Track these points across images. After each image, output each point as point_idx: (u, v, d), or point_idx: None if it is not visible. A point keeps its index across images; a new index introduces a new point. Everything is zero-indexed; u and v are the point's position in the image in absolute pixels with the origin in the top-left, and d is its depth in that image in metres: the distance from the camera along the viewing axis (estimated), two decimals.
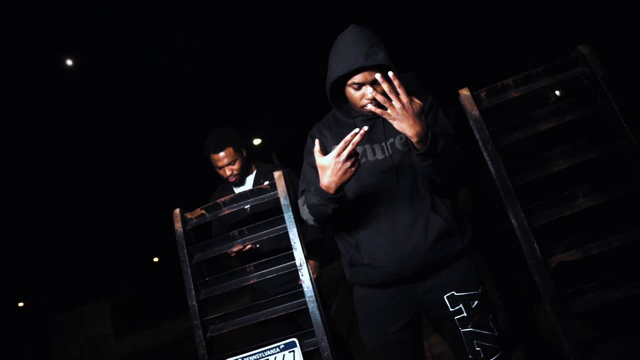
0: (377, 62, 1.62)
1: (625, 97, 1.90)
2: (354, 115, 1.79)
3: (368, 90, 1.66)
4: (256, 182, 2.86)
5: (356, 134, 1.51)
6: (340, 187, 1.58)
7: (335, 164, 1.52)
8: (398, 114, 1.51)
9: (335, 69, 1.66)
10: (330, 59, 1.71)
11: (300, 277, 2.01)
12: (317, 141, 1.60)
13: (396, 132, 1.75)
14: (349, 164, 1.53)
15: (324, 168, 1.55)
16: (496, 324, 1.74)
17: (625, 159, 1.89)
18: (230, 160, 2.78)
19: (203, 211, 2.23)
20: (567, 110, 1.94)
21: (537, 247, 1.77)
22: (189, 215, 2.25)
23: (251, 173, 2.92)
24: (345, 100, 1.77)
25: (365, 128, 1.51)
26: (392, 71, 1.57)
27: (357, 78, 1.65)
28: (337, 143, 1.71)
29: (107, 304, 15.27)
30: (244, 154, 2.87)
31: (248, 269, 2.10)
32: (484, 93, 1.99)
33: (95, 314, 14.46)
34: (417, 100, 1.55)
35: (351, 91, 1.69)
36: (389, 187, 1.69)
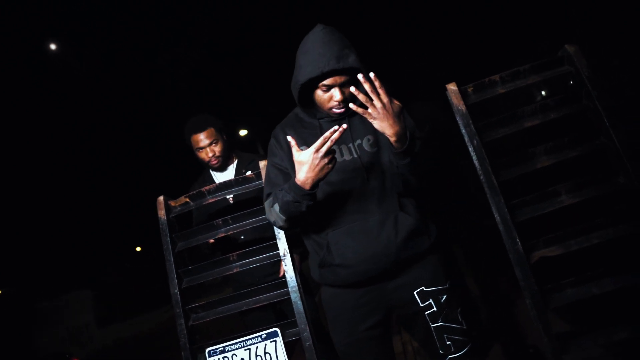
0: (349, 65, 1.61)
1: (608, 97, 1.92)
2: (319, 116, 1.78)
3: (336, 93, 1.66)
4: (238, 171, 2.82)
5: (335, 130, 1.52)
6: (316, 184, 1.59)
7: (313, 160, 1.53)
8: (379, 113, 1.52)
9: (304, 71, 1.64)
10: (298, 60, 1.69)
11: (284, 267, 2.01)
12: (290, 137, 1.59)
13: (363, 134, 1.76)
14: (326, 160, 1.54)
15: (302, 163, 1.55)
16: (465, 318, 1.76)
17: (607, 158, 1.91)
18: (211, 140, 2.69)
19: (187, 199, 2.21)
20: (552, 107, 1.96)
21: (519, 242, 1.79)
22: (172, 203, 2.23)
23: (232, 162, 2.86)
24: (310, 100, 1.76)
25: (345, 126, 1.53)
26: (362, 74, 1.58)
27: (328, 80, 1.64)
28: (303, 144, 1.72)
29: (90, 292, 15.14)
30: (225, 138, 2.81)
31: (231, 258, 2.10)
32: (471, 88, 2.00)
33: (77, 302, 14.34)
34: (396, 101, 1.57)
35: (319, 93, 1.69)
36: (359, 187, 1.71)
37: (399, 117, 1.55)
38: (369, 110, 1.52)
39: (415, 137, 1.62)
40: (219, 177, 2.82)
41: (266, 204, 1.79)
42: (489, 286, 3.04)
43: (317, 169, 1.54)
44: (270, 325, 1.98)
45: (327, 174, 1.57)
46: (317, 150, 1.52)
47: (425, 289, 1.71)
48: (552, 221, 2.15)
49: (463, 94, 1.99)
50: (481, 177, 1.90)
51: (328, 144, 1.51)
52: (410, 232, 1.67)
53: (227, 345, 1.97)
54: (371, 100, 1.51)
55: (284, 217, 1.70)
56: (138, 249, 23.65)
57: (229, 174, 2.81)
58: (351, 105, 1.56)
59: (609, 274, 1.77)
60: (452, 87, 1.99)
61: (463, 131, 1.95)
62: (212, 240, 2.30)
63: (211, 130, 2.72)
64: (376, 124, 1.55)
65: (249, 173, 2.18)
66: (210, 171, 2.85)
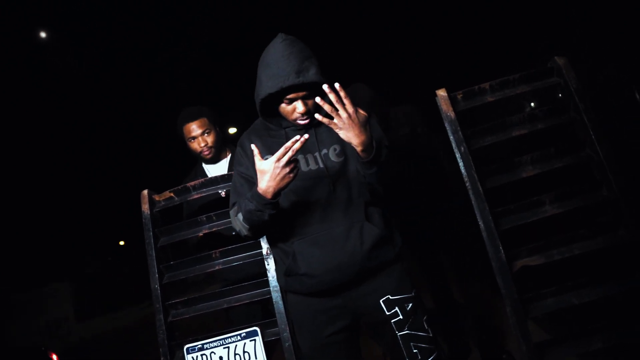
0: (308, 80, 1.59)
1: (595, 110, 1.94)
2: (285, 125, 1.78)
3: (299, 105, 1.66)
4: (231, 165, 2.73)
5: (297, 140, 1.52)
6: (278, 193, 1.59)
7: (274, 169, 1.53)
8: (345, 123, 1.53)
9: (265, 86, 1.63)
10: (259, 73, 1.69)
11: (266, 266, 2.00)
12: (253, 146, 1.59)
13: (329, 144, 1.76)
14: (287, 169, 1.53)
15: (263, 172, 1.56)
16: (430, 326, 1.78)
17: (591, 170, 1.93)
18: (203, 130, 2.62)
19: (172, 194, 2.19)
20: (540, 118, 1.98)
21: (502, 251, 1.80)
22: (157, 198, 2.21)
23: (226, 156, 2.79)
24: (275, 110, 1.76)
25: (306, 136, 1.53)
26: (325, 84, 1.56)
27: (290, 95, 1.65)
28: (268, 152, 1.70)
29: (69, 285, 14.91)
30: (218, 130, 2.74)
31: (214, 255, 2.08)
32: (461, 95, 2.01)
33: (55, 295, 14.10)
34: (361, 111, 1.58)
35: (283, 105, 1.69)
36: (324, 197, 1.71)
37: (364, 126, 1.55)
38: (335, 120, 1.53)
39: (381, 146, 1.64)
40: (211, 171, 2.75)
41: (231, 213, 1.79)
42: (473, 293, 3.05)
43: (278, 178, 1.55)
44: (250, 324, 1.97)
45: (288, 183, 1.58)
46: (278, 160, 1.53)
47: (391, 298, 1.73)
48: (535, 230, 2.17)
49: (452, 100, 1.99)
50: (467, 184, 1.91)
51: (289, 153, 1.51)
52: (375, 242, 1.69)
53: (205, 343, 1.96)
54: (337, 110, 1.51)
55: (247, 226, 1.70)
56: (121, 242, 23.39)
57: (222, 167, 2.74)
58: (317, 115, 1.56)
59: (589, 284, 1.79)
60: (441, 93, 2.00)
61: (451, 137, 1.95)
62: (201, 235, 2.27)
63: (204, 120, 2.66)
64: (342, 134, 1.56)
65: None
66: (203, 165, 2.78)
